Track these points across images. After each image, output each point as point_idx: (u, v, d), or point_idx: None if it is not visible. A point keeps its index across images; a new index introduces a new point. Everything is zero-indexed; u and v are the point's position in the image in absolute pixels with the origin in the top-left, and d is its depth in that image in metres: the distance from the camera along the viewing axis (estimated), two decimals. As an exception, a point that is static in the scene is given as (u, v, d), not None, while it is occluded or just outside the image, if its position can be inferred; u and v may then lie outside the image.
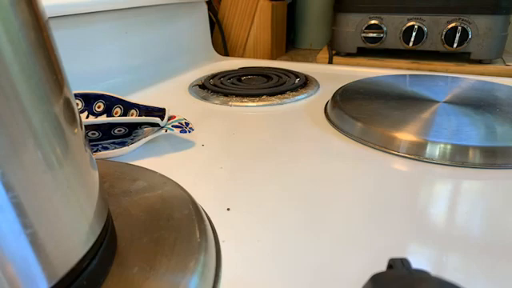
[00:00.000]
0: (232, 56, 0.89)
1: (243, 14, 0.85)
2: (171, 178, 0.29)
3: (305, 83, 0.60)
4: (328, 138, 0.41)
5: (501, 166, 0.34)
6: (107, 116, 0.42)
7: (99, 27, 0.53)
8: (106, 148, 0.36)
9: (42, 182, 0.14)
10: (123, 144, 0.37)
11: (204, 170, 0.34)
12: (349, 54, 0.81)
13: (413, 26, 0.72)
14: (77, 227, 0.17)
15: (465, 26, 0.69)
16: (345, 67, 0.73)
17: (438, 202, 0.30)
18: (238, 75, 0.65)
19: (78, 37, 0.50)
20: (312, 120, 0.47)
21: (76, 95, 0.42)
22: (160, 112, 0.38)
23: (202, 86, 0.59)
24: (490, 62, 0.72)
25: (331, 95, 0.51)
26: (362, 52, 0.80)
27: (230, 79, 0.63)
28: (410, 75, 0.60)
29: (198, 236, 0.22)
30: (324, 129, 0.44)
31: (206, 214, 0.28)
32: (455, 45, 0.70)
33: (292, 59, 0.93)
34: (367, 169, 0.35)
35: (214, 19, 0.86)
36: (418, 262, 0.23)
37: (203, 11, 0.79)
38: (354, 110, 0.44)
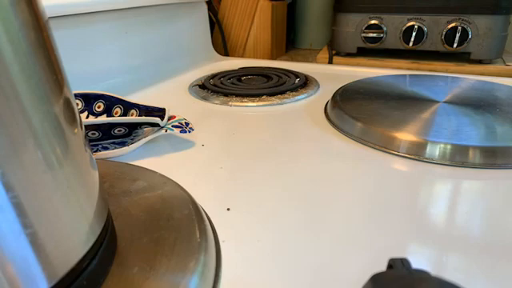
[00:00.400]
0: (232, 56, 0.89)
1: (243, 14, 0.85)
2: (171, 177, 0.29)
3: (305, 83, 0.60)
4: (328, 138, 0.41)
5: (501, 166, 0.34)
6: (107, 116, 0.42)
7: (99, 27, 0.53)
8: (106, 148, 0.36)
9: (42, 182, 0.14)
10: (123, 144, 0.37)
11: (204, 170, 0.34)
12: (349, 54, 0.81)
13: (413, 26, 0.72)
14: (77, 227, 0.17)
15: (465, 26, 0.69)
16: (345, 67, 0.73)
17: (438, 202, 0.30)
18: (237, 75, 0.65)
19: (77, 37, 0.50)
20: (312, 120, 0.47)
21: (76, 95, 0.42)
22: (160, 112, 0.38)
23: (202, 86, 0.59)
24: (490, 62, 0.72)
25: (331, 95, 0.51)
26: (362, 52, 0.80)
27: (230, 79, 0.63)
28: (410, 75, 0.60)
29: (197, 236, 0.22)
30: (324, 129, 0.44)
31: (206, 214, 0.28)
32: (455, 45, 0.70)
33: (292, 59, 0.93)
34: (367, 169, 0.35)
35: (214, 19, 0.86)
36: (417, 262, 0.23)
37: (203, 11, 0.79)
38: (354, 110, 0.44)
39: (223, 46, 0.87)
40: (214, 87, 0.57)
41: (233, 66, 0.74)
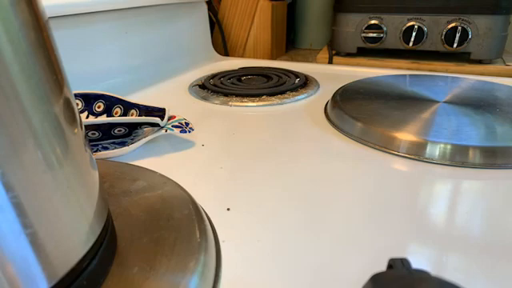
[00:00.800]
0: (232, 56, 0.89)
1: (243, 14, 0.85)
2: (171, 177, 0.29)
3: (305, 83, 0.60)
4: (328, 138, 0.41)
5: (501, 166, 0.34)
6: (107, 116, 0.42)
7: (99, 27, 0.53)
8: (106, 148, 0.36)
9: (42, 182, 0.14)
10: (123, 144, 0.37)
11: (204, 170, 0.35)
12: (349, 54, 0.81)
13: (413, 25, 0.72)
14: (77, 227, 0.17)
15: (465, 26, 0.69)
16: (345, 67, 0.73)
17: (438, 202, 0.30)
18: (238, 75, 0.65)
19: (78, 37, 0.50)
20: (312, 120, 0.47)
21: (76, 95, 0.42)
22: (160, 112, 0.38)
23: (202, 86, 0.59)
24: (490, 62, 0.72)
25: (331, 95, 0.51)
26: (362, 52, 0.80)
27: (230, 79, 0.63)
28: (410, 75, 0.60)
29: (198, 236, 0.22)
30: (324, 129, 0.44)
31: (206, 214, 0.28)
32: (455, 45, 0.70)
33: (292, 59, 0.93)
34: (367, 169, 0.35)
35: (214, 19, 0.86)
36: (417, 262, 0.23)
37: (203, 11, 0.79)
38: (354, 110, 0.44)
39: (223, 46, 0.87)
40: (214, 87, 0.57)
41: (233, 66, 0.74)
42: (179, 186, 0.28)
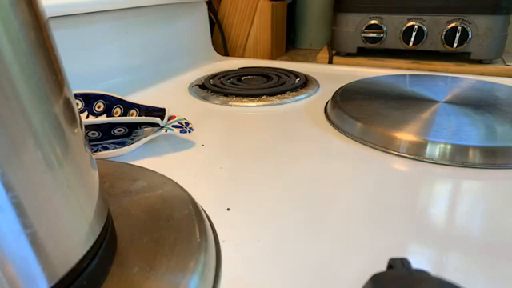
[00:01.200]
0: (232, 56, 0.89)
1: (243, 14, 0.85)
2: (171, 178, 0.29)
3: (305, 83, 0.60)
4: (328, 138, 0.41)
5: (501, 166, 0.34)
6: (107, 116, 0.42)
7: (99, 27, 0.53)
8: (106, 148, 0.36)
9: (42, 182, 0.14)
10: (123, 144, 0.37)
11: (204, 170, 0.35)
12: (349, 54, 0.81)
13: (413, 25, 0.72)
14: (77, 227, 0.17)
15: (465, 26, 0.69)
16: (345, 67, 0.73)
17: (438, 202, 0.30)
18: (238, 75, 0.65)
19: (78, 37, 0.50)
20: (312, 120, 0.47)
21: (76, 95, 0.42)
22: (160, 112, 0.38)
23: (202, 86, 0.59)
24: (490, 62, 0.72)
25: (331, 95, 0.51)
26: (362, 52, 0.80)
27: (230, 79, 0.63)
28: (410, 75, 0.60)
29: (198, 236, 0.22)
30: (324, 129, 0.44)
31: (206, 214, 0.28)
32: (455, 45, 0.70)
33: (292, 59, 0.93)
34: (367, 169, 0.35)
35: (214, 19, 0.86)
36: (418, 262, 0.23)
37: (203, 11, 0.79)
38: (354, 110, 0.44)
39: (223, 46, 0.87)
40: (214, 87, 0.57)
41: (233, 66, 0.74)
42: (179, 186, 0.28)
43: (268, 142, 0.40)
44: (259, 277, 0.22)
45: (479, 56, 0.71)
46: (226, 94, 0.55)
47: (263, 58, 0.86)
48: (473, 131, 0.37)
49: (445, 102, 0.46)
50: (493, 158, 0.35)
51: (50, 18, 0.43)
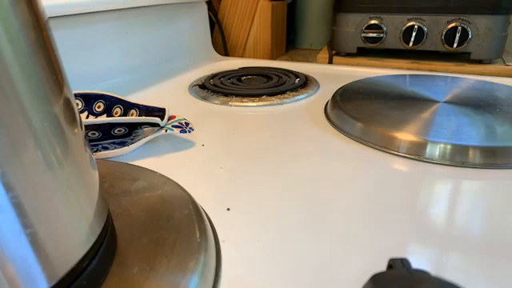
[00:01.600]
0: (232, 56, 0.89)
1: (243, 14, 0.85)
2: (171, 178, 0.29)
3: (305, 83, 0.60)
4: (328, 138, 0.41)
5: (501, 166, 0.34)
6: (107, 116, 0.42)
7: (99, 27, 0.53)
8: (106, 148, 0.36)
9: (42, 182, 0.14)
10: (123, 144, 0.37)
11: (204, 170, 0.35)
12: (349, 54, 0.81)
13: (413, 25, 0.72)
14: (77, 227, 0.17)
15: (465, 26, 0.69)
16: (345, 67, 0.73)
17: (438, 202, 0.30)
18: (238, 75, 0.65)
19: (78, 37, 0.50)
20: (312, 120, 0.47)
21: (76, 95, 0.42)
22: (160, 112, 0.38)
23: (202, 86, 0.59)
24: (490, 62, 0.72)
25: (331, 95, 0.51)
26: (362, 52, 0.80)
27: (230, 79, 0.63)
28: (410, 75, 0.60)
29: (198, 236, 0.22)
30: (324, 129, 0.44)
31: (206, 214, 0.28)
32: (455, 45, 0.70)
33: (292, 59, 0.93)
34: (367, 169, 0.35)
35: (214, 19, 0.86)
36: (418, 262, 0.23)
37: (203, 11, 0.79)
38: (354, 109, 0.44)
39: (223, 46, 0.87)
40: (214, 87, 0.57)
41: (233, 66, 0.74)
42: (179, 186, 0.28)
43: (268, 142, 0.40)
44: (259, 277, 0.22)
45: (479, 56, 0.71)
46: (226, 94, 0.55)
47: (263, 58, 0.86)
48: (473, 131, 0.37)
49: (445, 102, 0.46)
50: (493, 158, 0.35)
51: (50, 18, 0.43)
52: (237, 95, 0.54)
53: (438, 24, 0.71)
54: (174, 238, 0.22)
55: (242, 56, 0.89)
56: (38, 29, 0.14)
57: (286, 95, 0.55)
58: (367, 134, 0.40)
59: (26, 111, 0.13)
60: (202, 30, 0.79)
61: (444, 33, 0.71)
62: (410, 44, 0.73)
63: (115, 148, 0.36)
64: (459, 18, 0.69)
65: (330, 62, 0.81)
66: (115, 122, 0.36)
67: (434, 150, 0.36)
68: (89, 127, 0.35)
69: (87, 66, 0.52)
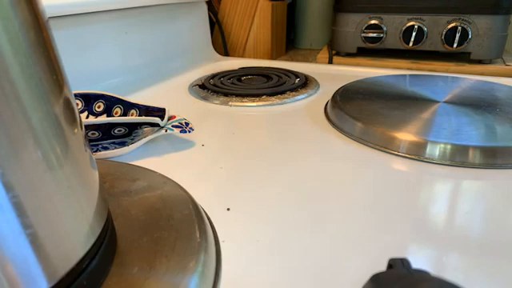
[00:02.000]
0: (232, 56, 0.89)
1: (243, 14, 0.85)
2: (171, 178, 0.29)
3: (305, 83, 0.60)
4: (328, 137, 0.41)
5: (501, 166, 0.34)
6: (107, 116, 0.42)
7: (99, 27, 0.53)
8: (106, 148, 0.36)
9: (42, 181, 0.14)
10: (123, 144, 0.37)
11: (204, 170, 0.34)
12: (349, 54, 0.81)
13: (413, 26, 0.72)
14: (77, 227, 0.17)
15: (465, 26, 0.69)
16: (345, 67, 0.73)
17: (438, 202, 0.30)
18: (238, 75, 0.65)
19: (77, 37, 0.50)
20: (312, 120, 0.47)
21: (76, 95, 0.42)
22: (160, 112, 0.38)
23: (202, 86, 0.59)
24: (490, 62, 0.72)
25: (331, 95, 0.51)
26: (362, 52, 0.80)
27: (230, 79, 0.63)
28: (410, 75, 0.60)
29: (197, 236, 0.22)
30: (324, 129, 0.44)
31: (206, 214, 0.28)
32: (455, 45, 0.70)
33: (292, 59, 0.93)
34: (367, 169, 0.35)
35: (214, 19, 0.86)
36: (418, 262, 0.23)
37: (203, 11, 0.79)
38: (354, 109, 0.44)
39: (223, 46, 0.87)
40: (214, 87, 0.57)
41: (233, 66, 0.74)
42: (179, 186, 0.28)
43: (268, 142, 0.40)
44: (259, 277, 0.22)
45: (479, 56, 0.71)
46: (226, 94, 0.55)
47: (263, 58, 0.86)
48: (473, 131, 0.37)
49: (445, 101, 0.46)
50: (493, 158, 0.35)
51: (50, 18, 0.43)
52: (237, 95, 0.54)
53: (438, 24, 0.71)
54: (174, 237, 0.22)
55: (242, 56, 0.89)
56: (38, 29, 0.14)
57: (285, 95, 0.55)
58: (367, 134, 0.40)
59: (25, 111, 0.13)
60: (202, 30, 0.79)
61: (444, 33, 0.71)
62: (410, 44, 0.73)
63: (115, 148, 0.36)
64: (459, 18, 0.69)
65: (330, 62, 0.81)
66: (115, 122, 0.36)
67: (434, 150, 0.36)
68: (89, 127, 0.35)
69: (87, 66, 0.52)
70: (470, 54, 0.72)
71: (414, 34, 0.72)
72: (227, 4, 0.85)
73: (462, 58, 0.77)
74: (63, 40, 0.48)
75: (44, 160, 0.14)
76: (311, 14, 0.99)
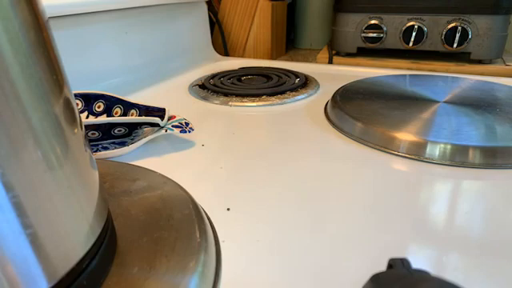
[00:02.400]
0: (232, 56, 0.89)
1: (243, 14, 0.85)
2: (171, 178, 0.29)
3: (305, 83, 0.60)
4: (328, 137, 0.41)
5: (501, 166, 0.34)
6: (107, 116, 0.42)
7: (99, 27, 0.53)
8: (106, 148, 0.36)
9: (42, 181, 0.14)
10: (123, 144, 0.37)
11: (204, 170, 0.34)
12: (349, 54, 0.81)
13: (413, 26, 0.72)
14: (77, 227, 0.17)
15: (465, 26, 0.69)
16: (345, 67, 0.73)
17: (438, 202, 0.30)
18: (238, 75, 0.65)
19: (77, 37, 0.50)
20: (312, 120, 0.47)
21: (76, 95, 0.42)
22: (160, 112, 0.38)
23: (202, 86, 0.59)
24: (490, 62, 0.72)
25: (331, 95, 0.51)
26: (362, 52, 0.80)
27: (230, 79, 0.63)
28: (410, 75, 0.60)
29: (197, 236, 0.22)
30: (324, 129, 0.44)
31: (206, 214, 0.28)
32: (455, 45, 0.70)
33: (292, 59, 0.93)
34: (367, 169, 0.35)
35: (214, 19, 0.86)
36: (418, 262, 0.23)
37: (203, 11, 0.79)
38: (354, 109, 0.44)
39: (223, 46, 0.87)
40: (214, 87, 0.57)
41: (233, 66, 0.74)
42: (179, 186, 0.28)
43: (268, 142, 0.40)
44: (259, 277, 0.22)
45: (479, 56, 0.71)
46: (226, 94, 0.55)
47: (263, 58, 0.86)
48: (473, 131, 0.37)
49: (445, 101, 0.46)
50: (493, 158, 0.35)
51: (50, 18, 0.43)
52: (237, 95, 0.54)
53: (438, 24, 0.71)
54: (174, 237, 0.22)
55: (242, 56, 0.89)
56: (38, 29, 0.14)
57: (285, 95, 0.55)
58: (367, 134, 0.40)
59: (25, 111, 0.13)
60: (202, 30, 0.79)
61: (444, 33, 0.71)
62: (410, 44, 0.73)
63: (115, 148, 0.36)
64: (459, 18, 0.69)
65: (330, 62, 0.81)
66: (115, 122, 0.36)
67: (434, 150, 0.36)
68: (89, 127, 0.35)
69: (87, 66, 0.52)
70: (470, 54, 0.72)
71: (413, 34, 0.72)
72: (227, 4, 0.85)
73: (462, 57, 0.77)
74: (63, 40, 0.48)
75: (44, 160, 0.14)
76: (311, 14, 0.99)
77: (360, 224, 0.27)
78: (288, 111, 0.50)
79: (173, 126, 0.37)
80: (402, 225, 0.27)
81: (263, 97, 0.54)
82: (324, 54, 0.83)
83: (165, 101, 0.55)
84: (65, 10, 0.47)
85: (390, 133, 0.38)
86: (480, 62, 0.73)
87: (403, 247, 0.25)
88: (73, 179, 0.16)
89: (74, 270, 0.16)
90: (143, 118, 0.37)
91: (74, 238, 0.16)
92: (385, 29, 0.75)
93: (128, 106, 0.41)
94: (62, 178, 0.15)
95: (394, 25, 0.74)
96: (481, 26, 0.69)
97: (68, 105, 0.16)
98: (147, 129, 0.38)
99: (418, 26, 0.72)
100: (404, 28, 0.73)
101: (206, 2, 0.80)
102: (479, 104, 0.45)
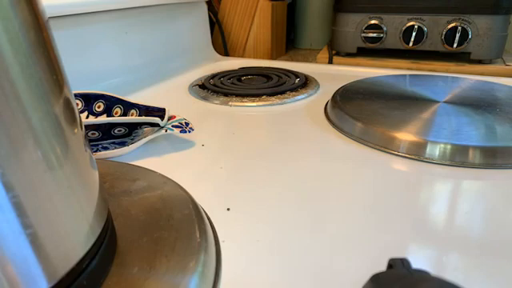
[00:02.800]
0: (232, 56, 0.89)
1: (243, 14, 0.85)
2: (171, 178, 0.29)
3: (305, 83, 0.60)
4: (328, 137, 0.41)
5: (501, 166, 0.34)
6: (107, 116, 0.42)
7: (99, 27, 0.53)
8: (106, 148, 0.36)
9: (42, 181, 0.14)
10: (123, 144, 0.37)
11: (204, 170, 0.34)
12: (349, 54, 0.81)
13: (413, 26, 0.72)
14: (77, 227, 0.17)
15: (465, 26, 0.69)
16: (345, 67, 0.73)
17: (438, 202, 0.30)
18: (238, 75, 0.65)
19: (77, 37, 0.50)
20: (312, 120, 0.47)
21: (76, 95, 0.42)
22: (160, 112, 0.38)
23: (202, 86, 0.59)
24: (490, 62, 0.72)
25: (331, 95, 0.51)
26: (362, 52, 0.80)
27: (230, 79, 0.63)
28: (410, 75, 0.60)
29: (197, 236, 0.22)
30: (324, 129, 0.44)
31: (206, 214, 0.28)
32: (455, 45, 0.70)
33: (292, 59, 0.93)
34: (367, 169, 0.35)
35: (214, 19, 0.86)
36: (418, 262, 0.23)
37: (203, 11, 0.79)
38: (354, 109, 0.44)
39: (223, 46, 0.87)
40: (214, 87, 0.57)
41: (233, 66, 0.74)
42: (179, 186, 0.28)
43: (268, 142, 0.40)
44: (259, 277, 0.22)
45: (479, 56, 0.71)
46: (226, 94, 0.55)
47: (263, 58, 0.86)
48: (473, 131, 0.37)
49: (445, 101, 0.46)
50: (493, 158, 0.35)
51: (50, 18, 0.43)
52: (237, 95, 0.54)
53: (438, 24, 0.71)
54: (174, 237, 0.22)
55: (242, 56, 0.89)
56: (38, 29, 0.14)
57: (285, 95, 0.55)
58: (367, 134, 0.40)
59: (25, 111, 0.13)
60: (202, 30, 0.79)
61: (444, 33, 0.71)
62: (410, 44, 0.73)
63: (115, 148, 0.36)
64: (459, 18, 0.69)
65: (330, 62, 0.81)
66: (115, 122, 0.36)
67: (434, 150, 0.36)
68: (89, 127, 0.35)
69: (87, 66, 0.52)
70: (470, 53, 0.72)
71: (414, 34, 0.72)
72: (227, 4, 0.85)
73: (462, 58, 0.77)
74: (63, 40, 0.48)
75: (44, 160, 0.14)
76: (311, 14, 0.99)
77: (360, 224, 0.27)
78: (288, 111, 0.50)
79: (173, 126, 0.37)
80: (401, 225, 0.27)
81: (263, 97, 0.54)
82: (324, 54, 0.83)
83: (165, 101, 0.55)
84: (65, 9, 0.47)
85: (389, 133, 0.38)
86: (480, 62, 0.73)
87: (403, 247, 0.25)
88: (73, 179, 0.16)
89: (73, 270, 0.16)
90: (143, 118, 0.37)
91: (74, 238, 0.16)
92: (385, 29, 0.75)
93: (128, 106, 0.41)
94: (62, 178, 0.15)
95: (393, 25, 0.74)
96: (481, 26, 0.69)
97: (68, 105, 0.16)
98: (147, 129, 0.38)
99: (418, 26, 0.72)
100: (404, 28, 0.73)
101: (206, 2, 0.80)
102: (479, 104, 0.45)
